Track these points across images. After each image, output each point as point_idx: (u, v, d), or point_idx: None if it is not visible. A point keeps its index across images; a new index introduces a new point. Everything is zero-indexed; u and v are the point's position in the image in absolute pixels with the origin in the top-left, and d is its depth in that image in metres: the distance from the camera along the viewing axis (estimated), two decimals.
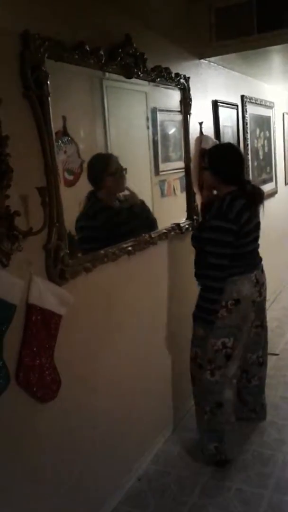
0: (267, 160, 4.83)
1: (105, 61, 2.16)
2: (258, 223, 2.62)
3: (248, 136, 4.17)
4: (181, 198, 3.05)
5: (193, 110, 3.05)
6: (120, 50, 2.26)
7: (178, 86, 2.90)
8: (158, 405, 2.82)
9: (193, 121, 3.10)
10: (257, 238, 2.62)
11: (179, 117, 2.97)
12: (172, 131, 2.92)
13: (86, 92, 2.19)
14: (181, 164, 3.00)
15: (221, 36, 3.06)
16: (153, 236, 2.63)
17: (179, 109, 2.96)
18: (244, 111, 4.08)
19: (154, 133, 2.71)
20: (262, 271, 2.68)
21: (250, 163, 4.21)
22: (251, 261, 2.59)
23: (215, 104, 3.48)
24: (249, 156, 4.19)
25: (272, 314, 4.57)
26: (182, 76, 2.90)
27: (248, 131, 4.17)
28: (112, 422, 2.35)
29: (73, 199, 2.09)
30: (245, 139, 4.11)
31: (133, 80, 2.41)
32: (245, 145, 4.12)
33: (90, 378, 2.18)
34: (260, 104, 4.55)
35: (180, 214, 3.02)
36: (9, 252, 1.67)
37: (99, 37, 2.14)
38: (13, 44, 1.71)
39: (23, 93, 1.76)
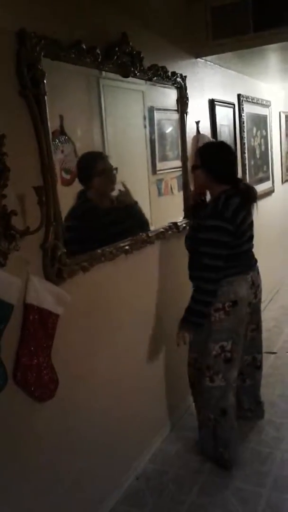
0: (264, 159, 4.84)
1: (102, 60, 2.16)
2: (252, 222, 2.58)
3: (245, 135, 4.17)
4: (178, 197, 3.04)
5: (190, 109, 3.05)
6: (116, 49, 2.25)
7: (175, 85, 2.90)
8: (156, 404, 2.82)
9: (190, 120, 3.10)
10: (251, 237, 2.58)
11: (176, 116, 2.97)
12: (169, 130, 2.92)
13: (83, 91, 2.19)
14: (178, 163, 3.00)
15: (218, 35, 3.06)
16: (150, 235, 2.63)
17: (176, 108, 2.96)
18: (240, 110, 4.08)
19: (151, 132, 2.70)
20: (258, 272, 2.65)
21: (247, 162, 4.21)
22: (246, 261, 2.56)
23: (212, 103, 3.48)
24: (246, 155, 4.19)
25: (269, 313, 4.58)
26: (178, 75, 2.90)
27: (245, 130, 4.17)
28: (110, 421, 2.35)
29: (70, 198, 2.08)
30: (241, 138, 4.12)
31: (130, 79, 2.41)
32: (242, 144, 4.12)
33: (88, 378, 2.18)
34: (257, 103, 4.56)
35: (177, 213, 3.01)
36: (6, 251, 1.67)
37: (95, 36, 2.14)
38: (9, 43, 1.71)
39: (20, 92, 1.76)
